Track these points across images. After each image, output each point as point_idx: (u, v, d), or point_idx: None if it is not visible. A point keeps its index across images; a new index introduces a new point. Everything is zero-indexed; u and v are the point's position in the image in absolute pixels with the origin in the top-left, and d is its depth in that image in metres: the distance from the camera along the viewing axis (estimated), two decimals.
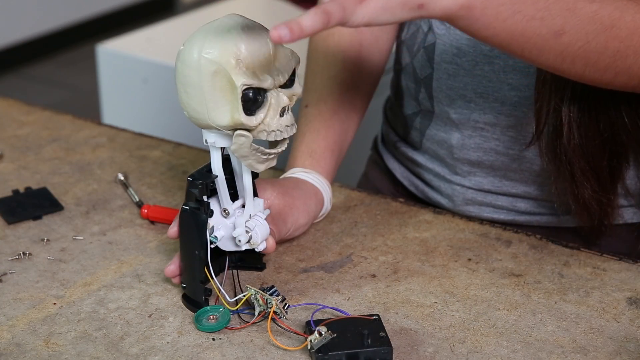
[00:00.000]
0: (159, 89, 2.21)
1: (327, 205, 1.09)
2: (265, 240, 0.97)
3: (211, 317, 0.93)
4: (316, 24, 0.82)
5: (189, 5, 4.49)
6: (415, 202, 1.20)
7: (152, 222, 1.11)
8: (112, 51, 2.28)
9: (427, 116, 1.18)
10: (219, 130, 0.90)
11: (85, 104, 3.66)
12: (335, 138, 1.14)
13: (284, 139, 0.91)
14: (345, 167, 1.25)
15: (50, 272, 1.02)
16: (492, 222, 1.14)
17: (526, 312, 0.96)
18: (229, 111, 0.87)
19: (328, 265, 1.03)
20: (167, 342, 0.91)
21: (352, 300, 0.97)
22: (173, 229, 0.97)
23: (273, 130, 0.89)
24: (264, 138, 0.89)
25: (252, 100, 0.87)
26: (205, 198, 0.93)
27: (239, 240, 0.95)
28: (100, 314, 0.96)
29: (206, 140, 0.92)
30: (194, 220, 0.93)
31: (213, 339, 0.92)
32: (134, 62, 2.23)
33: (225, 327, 0.93)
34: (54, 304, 0.97)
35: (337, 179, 1.17)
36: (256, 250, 0.97)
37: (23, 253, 1.05)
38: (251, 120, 0.88)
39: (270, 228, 0.98)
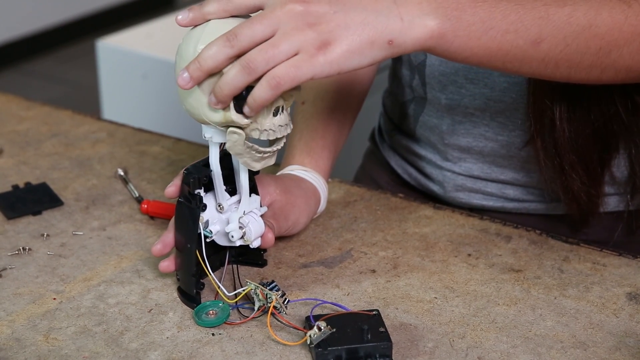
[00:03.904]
0: (158, 84, 2.21)
1: (322, 205, 1.09)
2: (262, 235, 0.97)
3: (211, 312, 0.93)
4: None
5: (189, 1, 4.48)
6: (415, 195, 1.20)
7: (152, 218, 1.11)
8: (112, 47, 2.27)
9: (420, 103, 1.19)
10: (214, 125, 0.90)
11: (85, 99, 3.66)
12: (332, 136, 1.14)
13: (278, 138, 0.91)
14: (343, 160, 1.25)
15: (50, 267, 1.02)
16: (482, 210, 1.15)
17: (526, 308, 0.96)
18: (220, 109, 0.87)
19: (328, 261, 1.03)
20: (167, 337, 0.92)
21: (351, 296, 0.97)
22: (170, 188, 0.98)
23: (265, 130, 0.89)
24: (256, 137, 0.89)
25: (244, 98, 0.87)
26: (202, 192, 0.93)
27: (232, 236, 0.95)
28: (100, 309, 0.96)
29: (204, 135, 0.92)
30: (187, 213, 0.93)
31: (213, 334, 0.92)
32: (133, 58, 2.23)
33: (225, 322, 0.93)
34: (54, 299, 0.97)
35: (335, 172, 1.17)
36: (250, 246, 0.97)
37: (23, 248, 1.05)
38: (241, 118, 0.88)
39: (270, 222, 0.98)
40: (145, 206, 1.11)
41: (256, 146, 0.90)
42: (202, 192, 0.93)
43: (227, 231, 0.95)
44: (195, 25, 0.90)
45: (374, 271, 1.02)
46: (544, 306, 0.96)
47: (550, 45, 0.90)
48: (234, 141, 0.89)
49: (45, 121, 1.34)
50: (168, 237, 0.98)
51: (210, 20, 0.89)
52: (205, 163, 0.95)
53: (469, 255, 1.04)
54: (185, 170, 0.94)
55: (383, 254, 1.04)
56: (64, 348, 0.90)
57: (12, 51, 4.06)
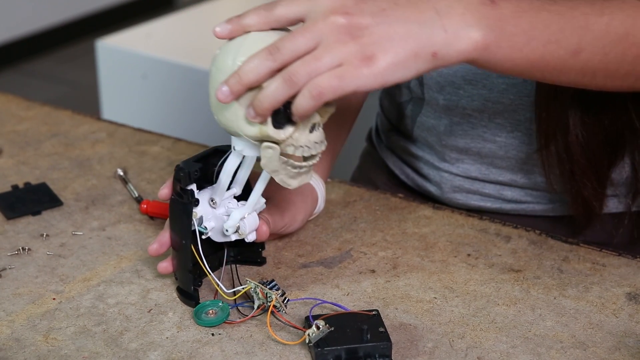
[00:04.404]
0: (158, 84, 2.21)
1: (320, 205, 1.09)
2: (257, 228, 0.97)
3: (210, 311, 0.93)
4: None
5: (188, 1, 4.49)
6: (413, 196, 1.20)
7: (152, 218, 1.11)
8: (111, 47, 2.28)
9: (418, 103, 1.19)
10: (247, 139, 0.89)
11: (84, 99, 3.67)
12: (331, 137, 1.14)
13: (313, 155, 0.90)
14: (340, 160, 1.25)
15: (50, 267, 1.02)
16: (480, 211, 1.15)
17: (525, 308, 0.96)
18: (258, 123, 0.87)
19: (327, 261, 1.03)
20: (167, 337, 0.92)
21: (351, 296, 0.98)
22: (163, 190, 0.98)
23: (301, 146, 0.88)
24: (291, 152, 0.88)
25: (282, 113, 0.87)
26: (194, 187, 0.93)
27: (227, 230, 0.95)
28: (100, 309, 0.96)
29: (234, 147, 0.92)
30: (180, 209, 0.93)
31: (212, 334, 0.92)
32: (133, 58, 2.23)
33: (225, 322, 0.93)
34: (54, 299, 0.97)
35: (331, 173, 1.17)
36: (245, 240, 0.97)
37: (22, 248, 1.05)
38: (279, 134, 0.87)
39: (265, 216, 0.98)
40: (145, 206, 1.11)
41: (291, 161, 0.88)
42: (194, 187, 0.93)
43: (225, 227, 0.95)
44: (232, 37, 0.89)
45: (373, 271, 1.02)
46: (544, 306, 0.96)
47: (589, 55, 0.90)
48: (269, 157, 0.88)
49: (45, 121, 1.34)
50: (164, 236, 0.98)
51: (249, 32, 0.88)
52: (197, 159, 0.95)
53: (469, 255, 1.04)
54: (176, 166, 0.94)
55: (382, 254, 1.04)
56: (63, 348, 0.90)
57: (12, 51, 4.06)
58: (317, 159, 0.90)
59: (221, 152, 0.96)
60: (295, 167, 0.89)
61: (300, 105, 0.84)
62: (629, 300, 0.97)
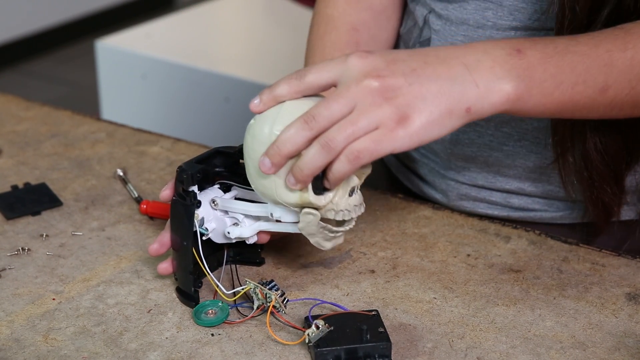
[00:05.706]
0: (157, 84, 2.21)
1: None
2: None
3: (210, 311, 0.93)
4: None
5: (188, 1, 4.49)
6: (414, 197, 1.20)
7: (151, 218, 1.11)
8: (111, 47, 2.28)
9: None
10: (286, 206, 0.90)
11: (84, 99, 3.67)
12: None
13: (352, 218, 0.91)
14: None
15: (49, 267, 1.02)
16: (488, 218, 1.14)
17: (525, 308, 0.96)
18: (298, 190, 0.87)
19: (327, 261, 1.03)
20: (166, 338, 0.92)
21: (351, 296, 0.98)
22: (165, 192, 0.98)
23: (341, 210, 0.89)
24: (331, 217, 0.89)
25: (321, 179, 0.87)
26: (196, 189, 0.93)
27: (228, 232, 0.95)
28: (99, 309, 0.96)
29: (272, 214, 0.92)
30: (182, 210, 0.94)
31: (212, 335, 0.92)
32: (133, 58, 2.23)
33: (224, 322, 0.93)
34: (53, 299, 0.97)
35: None
36: (247, 242, 0.97)
37: (22, 249, 1.05)
38: (320, 200, 0.88)
39: None
40: (145, 206, 1.11)
41: (329, 226, 0.90)
42: (196, 189, 0.94)
43: (228, 230, 0.96)
44: None
45: (373, 271, 1.02)
46: (543, 306, 0.96)
47: (617, 90, 0.91)
48: (308, 222, 0.89)
49: (45, 121, 1.34)
50: (165, 236, 0.98)
51: (283, 102, 0.89)
52: (198, 160, 0.95)
53: (468, 255, 1.04)
54: (178, 168, 0.94)
55: (382, 254, 1.04)
56: (63, 348, 0.90)
57: (12, 51, 4.06)
58: (353, 223, 0.91)
59: (222, 153, 0.96)
60: (332, 231, 0.90)
61: (337, 170, 0.85)
62: (628, 301, 0.97)
